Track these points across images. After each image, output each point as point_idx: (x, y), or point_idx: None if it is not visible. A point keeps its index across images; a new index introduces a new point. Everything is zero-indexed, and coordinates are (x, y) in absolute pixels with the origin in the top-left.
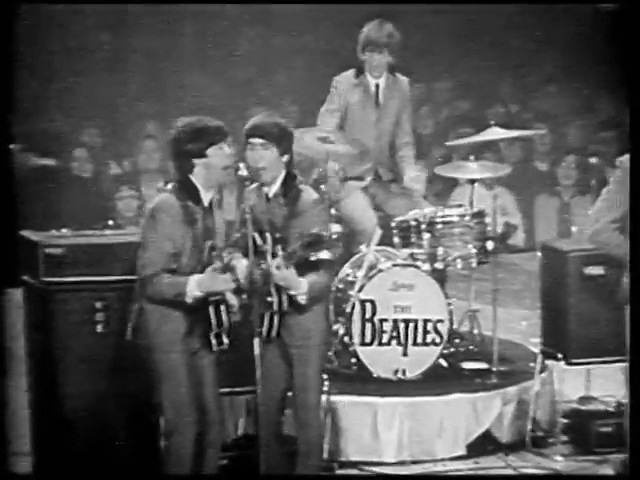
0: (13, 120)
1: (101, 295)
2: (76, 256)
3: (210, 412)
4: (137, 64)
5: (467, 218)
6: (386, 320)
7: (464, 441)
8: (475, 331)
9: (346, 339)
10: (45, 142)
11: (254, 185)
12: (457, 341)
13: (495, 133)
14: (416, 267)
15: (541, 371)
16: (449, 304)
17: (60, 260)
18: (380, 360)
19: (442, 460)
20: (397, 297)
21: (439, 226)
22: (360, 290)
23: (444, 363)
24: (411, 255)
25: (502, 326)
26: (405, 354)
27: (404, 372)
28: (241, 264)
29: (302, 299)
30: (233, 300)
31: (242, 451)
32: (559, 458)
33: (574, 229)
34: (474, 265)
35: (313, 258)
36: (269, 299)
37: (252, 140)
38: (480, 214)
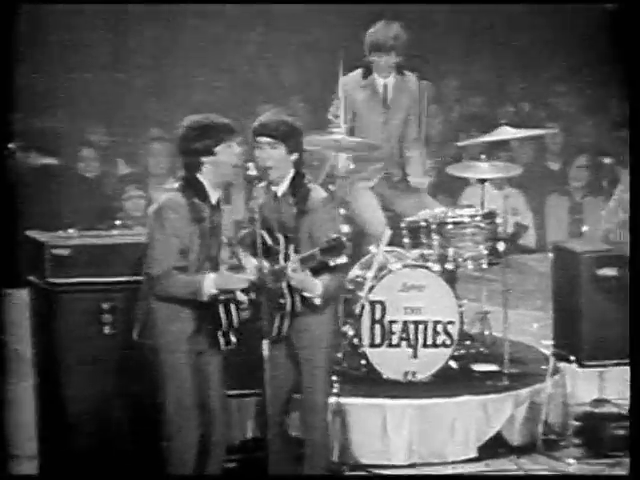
0: (16, 119)
1: (108, 296)
2: (83, 257)
3: (215, 413)
4: (143, 63)
5: (478, 218)
6: (396, 321)
7: (475, 444)
8: (486, 333)
9: (355, 340)
10: (51, 141)
11: (263, 184)
12: (468, 343)
13: (506, 132)
14: (426, 268)
15: (553, 373)
16: (460, 305)
17: (66, 261)
18: (390, 362)
19: (453, 463)
20: (407, 298)
21: (449, 226)
22: (370, 291)
23: (454, 365)
24: (421, 256)
25: (513, 328)
26: (415, 356)
27: (414, 374)
28: (250, 263)
29: (317, 300)
30: (242, 297)
31: (250, 454)
32: (571, 461)
33: (585, 228)
34: (485, 266)
35: (332, 264)
36: (282, 300)
37: (260, 139)
38: (491, 214)
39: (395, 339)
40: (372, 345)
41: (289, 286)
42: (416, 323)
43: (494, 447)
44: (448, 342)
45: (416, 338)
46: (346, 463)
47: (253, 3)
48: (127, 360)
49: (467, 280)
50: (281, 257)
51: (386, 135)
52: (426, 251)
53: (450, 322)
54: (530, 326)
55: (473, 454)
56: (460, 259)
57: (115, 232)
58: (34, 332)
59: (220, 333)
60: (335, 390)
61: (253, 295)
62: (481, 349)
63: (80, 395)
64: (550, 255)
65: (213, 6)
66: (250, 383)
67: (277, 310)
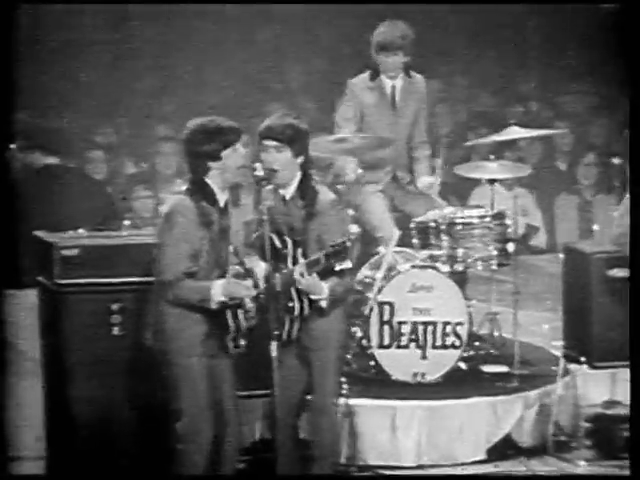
0: (21, 119)
1: (117, 297)
2: (91, 257)
3: (227, 415)
4: (150, 63)
5: (487, 219)
6: (405, 322)
7: (484, 445)
8: (495, 334)
9: (364, 342)
10: (59, 141)
11: (271, 186)
12: (477, 344)
13: (515, 132)
14: (435, 269)
15: (564, 375)
16: (469, 306)
17: (75, 261)
18: (399, 363)
19: (462, 464)
20: (416, 299)
21: (459, 227)
22: (379, 292)
23: (464, 366)
24: (430, 256)
25: (523, 329)
26: (424, 357)
27: (423, 375)
28: (259, 267)
29: (323, 303)
30: (250, 304)
31: (259, 455)
32: (582, 463)
33: (595, 227)
34: (494, 267)
35: (337, 268)
36: (290, 304)
37: (265, 142)
38: (500, 215)
39: (404, 340)
40: (381, 346)
41: (297, 290)
42: (425, 324)
43: (503, 449)
44: (457, 343)
45: (425, 339)
46: (355, 464)
47: (261, 3)
48: (136, 361)
49: (476, 281)
50: (289, 260)
51: (394, 137)
52: (435, 252)
53: (459, 323)
54: (540, 327)
55: (482, 456)
56: (469, 260)
57: (124, 233)
58: (42, 333)
59: (228, 338)
60: (344, 391)
61: (261, 300)
62: (491, 350)
63: (88, 396)
64: (560, 256)
65: (221, 6)
66: (259, 384)
67: (286, 314)
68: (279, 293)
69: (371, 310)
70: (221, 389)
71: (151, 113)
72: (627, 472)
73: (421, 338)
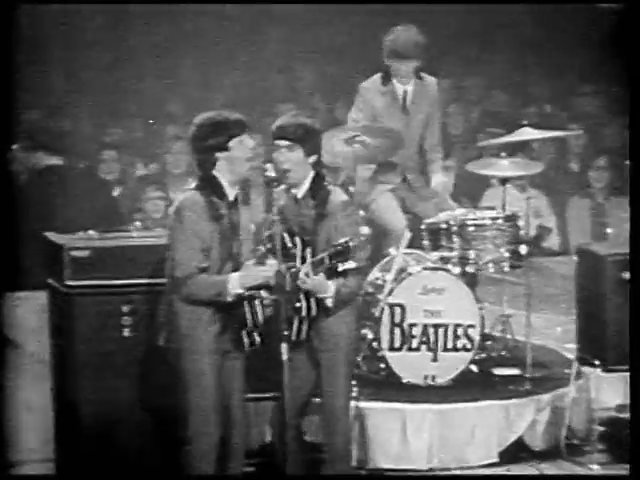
0: (26, 119)
1: (128, 298)
2: (102, 259)
3: (235, 416)
4: (157, 63)
5: (500, 221)
6: (416, 325)
7: (496, 448)
8: (508, 336)
9: (375, 344)
10: (61, 141)
11: (283, 186)
12: (489, 346)
13: (527, 133)
14: (447, 271)
15: (577, 378)
16: (481, 309)
17: (86, 263)
18: (409, 366)
19: (473, 468)
20: (427, 301)
21: (470, 229)
22: (389, 294)
23: (475, 369)
24: (441, 258)
25: (536, 332)
26: (435, 360)
27: (434, 378)
28: (271, 266)
29: (329, 302)
30: (265, 293)
31: (268, 458)
32: (595, 467)
33: (609, 230)
34: (507, 269)
35: (340, 268)
36: (297, 304)
37: (278, 142)
38: (513, 217)
39: (415, 343)
40: (391, 349)
41: (304, 290)
42: (436, 326)
43: (516, 452)
44: (469, 346)
45: (436, 341)
46: (365, 468)
47: (270, 4)
48: (146, 363)
49: (488, 283)
50: (298, 260)
51: (406, 141)
52: (446, 253)
53: (471, 325)
54: (553, 330)
55: (494, 459)
56: (481, 262)
57: (135, 234)
58: (52, 335)
59: (245, 332)
60: (354, 394)
61: (275, 295)
62: (502, 353)
63: (98, 398)
64: (574, 258)
65: (231, 6)
66: (268, 387)
67: (294, 314)
68: (288, 293)
69: (382, 312)
70: (230, 391)
71: (160, 113)
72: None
73: (432, 340)
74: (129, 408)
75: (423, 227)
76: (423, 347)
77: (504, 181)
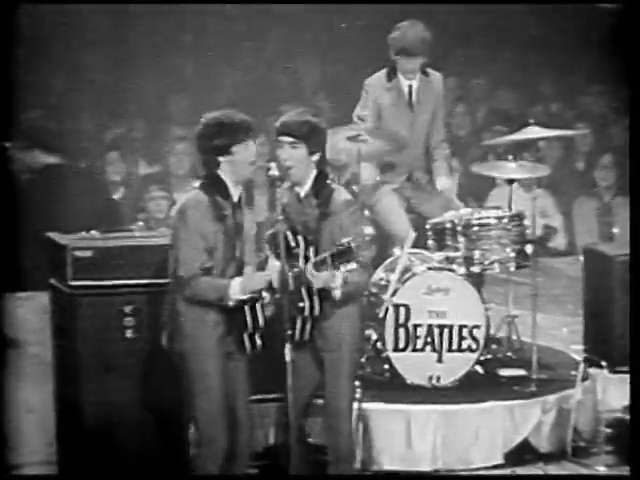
0: (26, 118)
1: (131, 299)
2: (105, 259)
3: (241, 419)
4: (159, 63)
5: (505, 220)
6: (420, 325)
7: (501, 450)
8: (513, 337)
9: (379, 345)
10: (61, 141)
11: (286, 184)
12: (494, 347)
13: (534, 132)
14: (451, 271)
15: (583, 379)
16: (486, 309)
17: (88, 263)
18: (414, 367)
19: (478, 469)
20: (432, 302)
21: (475, 228)
22: (393, 294)
23: (480, 370)
24: (446, 258)
25: (542, 332)
26: (440, 360)
27: (439, 379)
28: (273, 266)
29: (337, 294)
30: (265, 293)
31: (272, 460)
32: (602, 468)
33: (616, 230)
34: (512, 269)
35: (343, 269)
36: (300, 304)
37: (281, 138)
38: (519, 216)
39: (419, 343)
40: (396, 349)
41: (308, 290)
42: (441, 327)
43: (521, 454)
44: (474, 346)
45: (441, 342)
46: (369, 470)
47: (273, 4)
48: (150, 364)
49: (494, 283)
50: (300, 259)
51: (411, 136)
52: (451, 253)
53: (476, 326)
54: (559, 331)
55: (499, 461)
56: (486, 262)
57: (138, 234)
58: (54, 336)
59: (246, 335)
60: (358, 395)
61: (277, 295)
62: (508, 354)
63: (100, 399)
64: (581, 258)
65: (233, 5)
66: (272, 388)
67: (298, 313)
68: (291, 292)
69: (386, 312)
70: (235, 393)
71: (163, 113)
72: None
73: (437, 341)
74: (131, 409)
75: (428, 227)
76: (428, 348)
77: (510, 181)
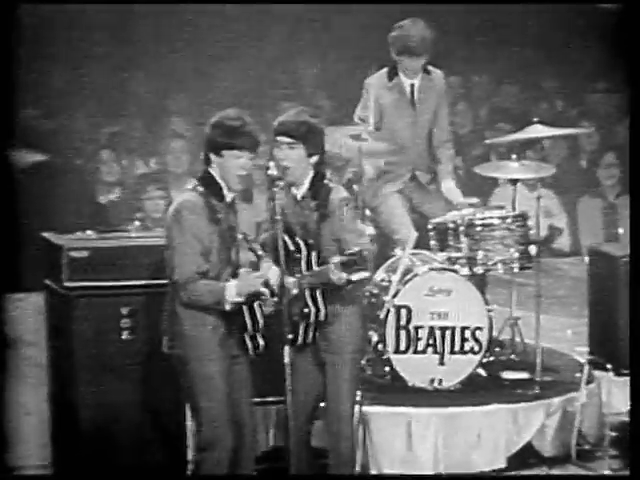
0: (25, 117)
1: (127, 300)
2: (101, 259)
3: (245, 423)
4: (159, 62)
5: (509, 220)
6: (422, 327)
7: (504, 454)
8: (517, 339)
9: (380, 347)
10: (55, 140)
11: (282, 184)
12: (497, 349)
13: (538, 130)
14: (454, 271)
15: (588, 382)
16: (489, 311)
17: (84, 264)
18: (415, 369)
19: (481, 473)
20: (434, 303)
21: (478, 228)
22: (395, 295)
23: (483, 373)
24: (449, 259)
25: (546, 334)
26: (442, 363)
27: (440, 382)
28: (273, 272)
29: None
30: (264, 290)
31: (273, 463)
32: (607, 472)
33: (621, 230)
34: (516, 270)
35: (354, 279)
36: (306, 310)
37: (279, 138)
38: (522, 216)
39: (421, 345)
40: (397, 351)
41: (312, 295)
42: (443, 329)
43: (525, 457)
44: (476, 349)
45: (443, 344)
46: (369, 472)
47: (273, 3)
48: (147, 366)
49: (497, 284)
50: (303, 264)
51: (414, 136)
52: (454, 254)
53: (479, 328)
54: (564, 332)
55: (502, 464)
56: (490, 262)
57: (134, 234)
58: (50, 337)
59: (247, 337)
60: (358, 398)
61: (275, 299)
62: (511, 356)
63: (97, 401)
64: (586, 259)
65: (233, 5)
66: (272, 391)
67: (302, 319)
68: (294, 298)
69: (387, 314)
70: (238, 396)
71: (161, 112)
72: None
73: (439, 343)
74: (128, 411)
75: (430, 227)
76: (429, 350)
77: (514, 180)
